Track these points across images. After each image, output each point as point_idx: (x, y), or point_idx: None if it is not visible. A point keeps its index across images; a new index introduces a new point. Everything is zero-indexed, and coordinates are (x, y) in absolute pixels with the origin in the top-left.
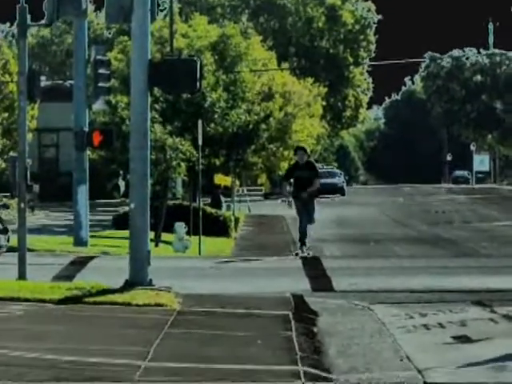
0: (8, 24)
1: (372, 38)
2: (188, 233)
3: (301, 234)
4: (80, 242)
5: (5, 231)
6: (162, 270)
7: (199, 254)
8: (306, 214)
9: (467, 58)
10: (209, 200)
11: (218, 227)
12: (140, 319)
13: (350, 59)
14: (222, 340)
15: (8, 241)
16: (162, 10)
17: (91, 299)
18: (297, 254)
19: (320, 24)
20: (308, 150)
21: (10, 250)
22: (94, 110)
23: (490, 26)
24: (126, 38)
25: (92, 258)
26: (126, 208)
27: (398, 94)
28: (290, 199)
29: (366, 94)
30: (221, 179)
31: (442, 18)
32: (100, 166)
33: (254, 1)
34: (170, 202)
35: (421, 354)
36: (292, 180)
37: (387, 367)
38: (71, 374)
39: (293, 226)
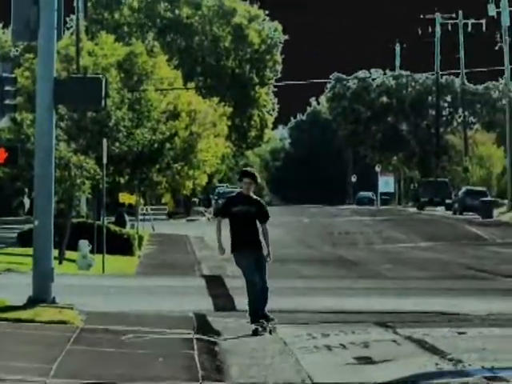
0: None
1: (278, 58)
2: (92, 251)
3: (255, 302)
4: None
5: None
6: (65, 288)
7: (103, 271)
8: (258, 271)
9: (373, 79)
10: (113, 218)
11: (122, 245)
12: (43, 336)
13: (256, 79)
14: (124, 358)
15: None
16: (68, 28)
17: None
18: (256, 332)
19: (226, 43)
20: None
21: None
22: None
23: (397, 48)
24: (32, 55)
25: None
26: (31, 225)
27: (303, 115)
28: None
29: (272, 115)
30: (125, 197)
31: (349, 39)
32: (5, 183)
33: (160, 19)
34: (74, 220)
35: (323, 375)
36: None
37: None
38: None
39: (196, 245)
